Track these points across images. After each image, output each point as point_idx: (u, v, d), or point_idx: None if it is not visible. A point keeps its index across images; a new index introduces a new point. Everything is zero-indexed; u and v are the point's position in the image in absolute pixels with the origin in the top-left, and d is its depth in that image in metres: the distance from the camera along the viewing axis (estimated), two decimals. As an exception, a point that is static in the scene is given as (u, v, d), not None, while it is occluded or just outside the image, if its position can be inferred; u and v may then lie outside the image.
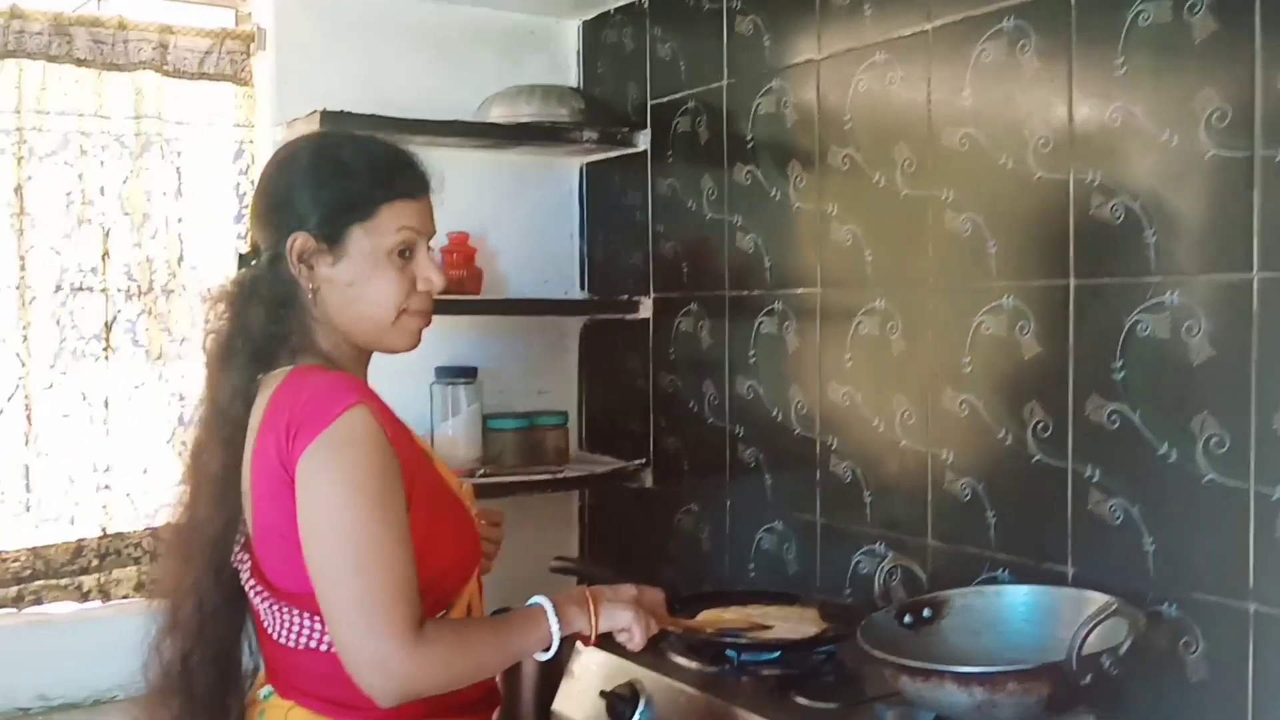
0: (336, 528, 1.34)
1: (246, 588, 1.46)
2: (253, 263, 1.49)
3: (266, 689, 1.48)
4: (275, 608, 1.42)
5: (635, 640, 1.55)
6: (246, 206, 2.53)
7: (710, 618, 1.95)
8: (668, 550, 2.54)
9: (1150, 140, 1.60)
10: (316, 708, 1.43)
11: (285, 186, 1.49)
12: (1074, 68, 1.70)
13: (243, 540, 1.46)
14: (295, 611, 1.41)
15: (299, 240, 1.45)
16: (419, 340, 1.54)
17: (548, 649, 1.47)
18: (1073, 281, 1.72)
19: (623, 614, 1.53)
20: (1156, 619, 1.59)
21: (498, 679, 1.55)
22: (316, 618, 1.39)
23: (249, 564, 1.45)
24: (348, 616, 1.33)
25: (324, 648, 1.40)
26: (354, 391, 1.39)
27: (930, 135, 1.92)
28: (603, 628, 1.52)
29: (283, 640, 1.43)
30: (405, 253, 1.48)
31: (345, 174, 1.48)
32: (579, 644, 1.57)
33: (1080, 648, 1.39)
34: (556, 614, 1.46)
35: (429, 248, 1.52)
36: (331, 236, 1.46)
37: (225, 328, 1.47)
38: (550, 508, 2.71)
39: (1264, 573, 1.50)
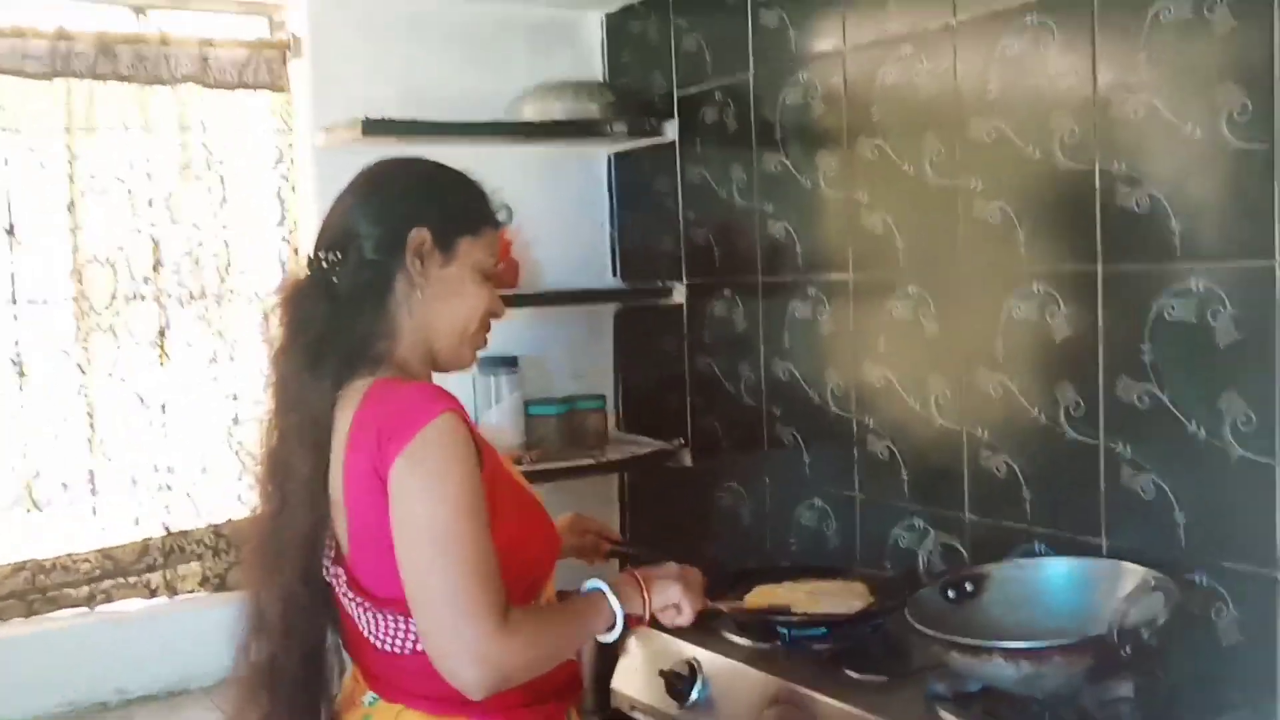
0: (428, 524, 1.40)
1: (343, 599, 1.51)
2: (336, 264, 1.52)
3: (370, 695, 1.54)
4: (376, 615, 1.48)
5: (685, 615, 1.66)
6: (288, 211, 2.61)
7: (763, 594, 2.03)
8: (709, 528, 2.63)
9: (1173, 132, 1.67)
10: (426, 708, 1.49)
11: (401, 188, 1.58)
12: (1097, 62, 1.76)
13: (333, 553, 1.50)
14: (399, 618, 1.47)
15: (419, 235, 1.53)
16: (472, 364, 1.65)
17: (612, 628, 1.57)
18: (1100, 267, 1.79)
19: (672, 590, 1.64)
20: (1188, 587, 1.67)
21: (581, 664, 1.64)
22: None
23: (343, 576, 1.50)
24: (437, 610, 1.40)
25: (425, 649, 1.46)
26: (443, 399, 1.45)
27: (958, 126, 1.98)
28: (655, 605, 1.63)
29: (386, 646, 1.49)
30: (489, 277, 1.59)
31: (460, 189, 1.61)
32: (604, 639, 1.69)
33: (1122, 623, 1.47)
34: (614, 595, 1.56)
35: None
36: (445, 240, 1.55)
37: (312, 330, 1.50)
38: (592, 489, 2.79)
39: (1291, 542, 1.58)
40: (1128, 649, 1.49)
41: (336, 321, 1.50)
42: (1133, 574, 1.64)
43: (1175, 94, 1.66)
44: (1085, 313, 1.81)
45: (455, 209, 1.58)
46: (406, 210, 1.55)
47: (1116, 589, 1.62)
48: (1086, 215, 1.79)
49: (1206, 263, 1.65)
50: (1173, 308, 1.69)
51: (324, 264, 1.54)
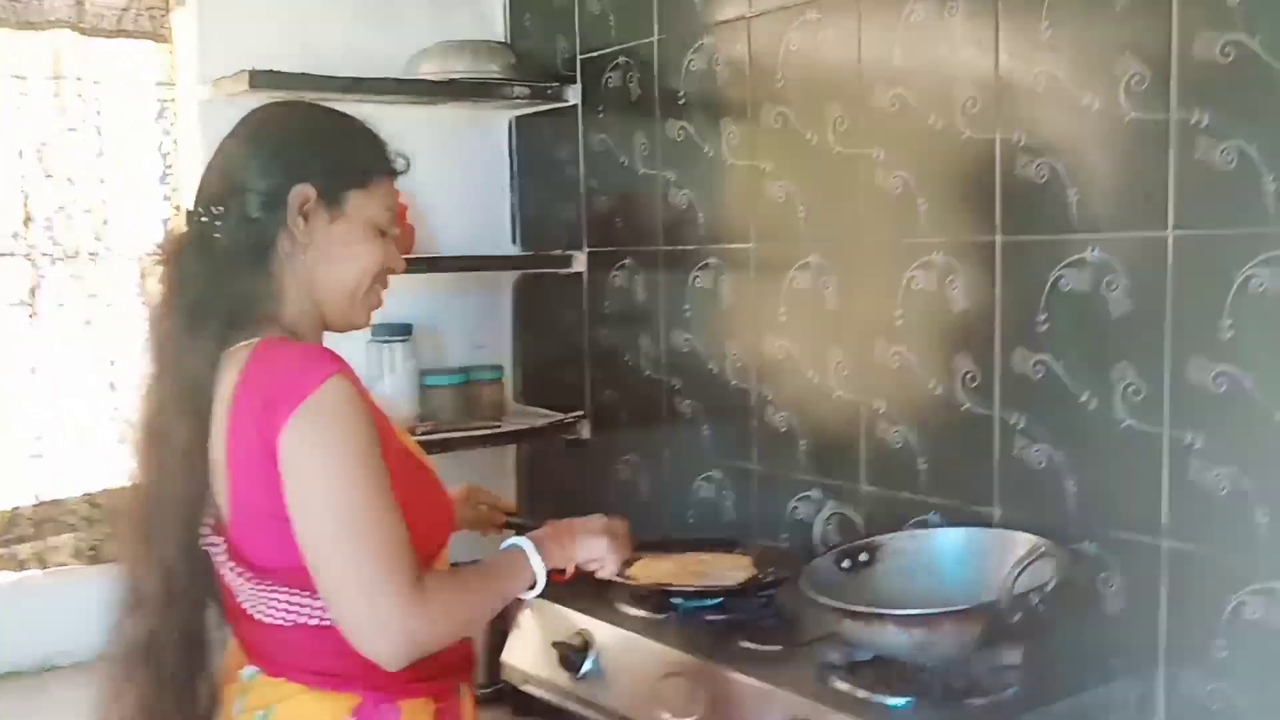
0: (327, 497, 1.34)
1: (223, 570, 1.44)
2: (216, 220, 1.44)
3: (250, 669, 1.47)
4: (259, 587, 1.41)
5: (608, 568, 1.62)
6: (171, 167, 2.50)
7: (647, 566, 2.00)
8: (606, 500, 2.59)
9: (1073, 102, 1.67)
10: (310, 682, 1.43)
11: (282, 140, 1.49)
12: (1000, 30, 1.76)
13: (212, 522, 1.43)
14: (281, 589, 1.40)
15: (302, 191, 1.44)
16: (368, 321, 1.56)
17: (533, 586, 1.52)
18: (999, 238, 1.79)
19: (597, 542, 1.61)
20: (1077, 556, 1.69)
21: (475, 643, 1.58)
22: (304, 593, 1.39)
23: (222, 545, 1.43)
24: (347, 583, 1.34)
25: (313, 622, 1.40)
26: (330, 361, 1.38)
27: (861, 94, 1.97)
28: (580, 558, 1.59)
29: (269, 619, 1.42)
30: (384, 231, 1.50)
31: (349, 138, 1.51)
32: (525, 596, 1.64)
33: (1012, 589, 1.47)
34: (536, 551, 1.52)
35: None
36: (332, 196, 1.46)
37: (192, 289, 1.42)
38: (488, 461, 2.74)
39: (1176, 512, 1.60)
40: (1017, 615, 1.49)
41: (217, 281, 1.42)
42: (1023, 542, 1.64)
43: (1075, 65, 1.67)
44: (984, 283, 1.82)
45: (343, 160, 1.49)
46: (289, 163, 1.46)
47: (1008, 558, 1.62)
48: (987, 185, 1.79)
49: (1102, 233, 1.66)
50: (1069, 278, 1.70)
51: (203, 219, 1.46)
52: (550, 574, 1.53)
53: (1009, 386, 1.79)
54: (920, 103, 1.88)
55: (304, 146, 1.49)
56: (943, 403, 1.89)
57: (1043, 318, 1.73)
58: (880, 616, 1.54)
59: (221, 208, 1.45)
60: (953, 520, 1.86)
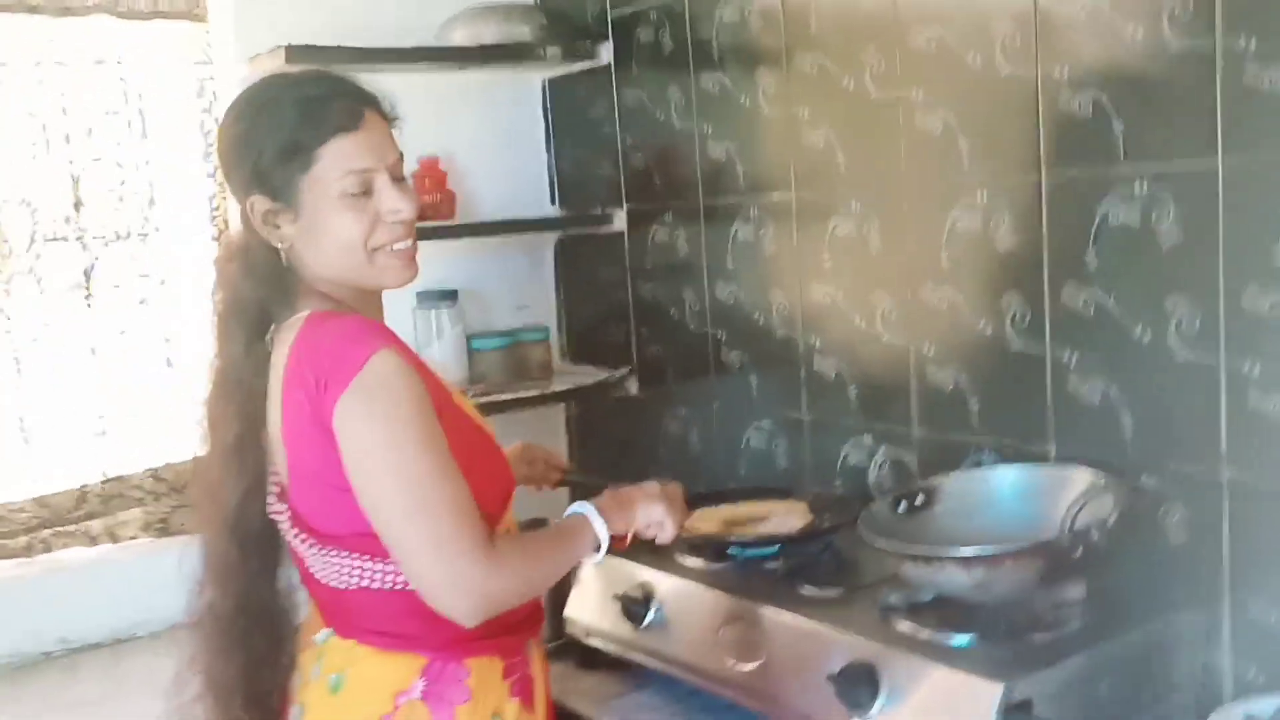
0: (390, 469, 1.37)
1: (289, 537, 1.48)
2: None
3: (324, 632, 1.52)
4: (323, 553, 1.45)
5: (668, 531, 1.64)
6: (213, 145, 2.53)
7: (704, 517, 2.03)
8: (657, 455, 2.61)
9: (1115, 33, 1.65)
10: (377, 643, 1.47)
11: (228, 148, 1.47)
12: (1038, -36, 1.74)
13: (277, 491, 1.47)
14: (345, 554, 1.44)
15: (256, 203, 1.44)
16: (410, 273, 1.50)
17: (597, 549, 1.55)
18: (1044, 175, 1.78)
19: (655, 508, 1.62)
20: (1137, 490, 1.68)
21: (542, 597, 1.61)
22: (366, 557, 1.43)
23: (287, 513, 1.47)
24: (421, 549, 1.37)
25: (375, 585, 1.44)
26: (376, 336, 1.40)
27: (898, 36, 1.95)
28: (639, 523, 1.61)
29: (334, 583, 1.47)
30: (363, 191, 1.43)
31: (274, 125, 1.41)
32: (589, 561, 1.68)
33: (1072, 525, 1.48)
34: (599, 516, 1.54)
35: (398, 176, 1.46)
36: (283, 192, 1.41)
37: (224, 293, 1.47)
38: (538, 421, 2.76)
39: (1235, 442, 1.60)
40: (1078, 551, 1.50)
41: (235, 286, 1.46)
42: (1081, 477, 1.64)
43: (1116, -5, 1.65)
44: (1029, 222, 1.81)
45: (274, 154, 1.40)
46: (234, 181, 1.46)
47: (1065, 494, 1.62)
48: (1029, 122, 1.77)
49: (1150, 164, 1.64)
50: (1117, 212, 1.68)
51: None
52: (611, 539, 1.56)
53: (1059, 323, 1.78)
54: (958, 42, 1.86)
55: (234, 157, 1.45)
56: (992, 343, 1.88)
57: (1091, 253, 1.72)
58: (940, 558, 1.55)
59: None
60: (1008, 460, 1.86)
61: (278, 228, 1.44)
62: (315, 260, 1.46)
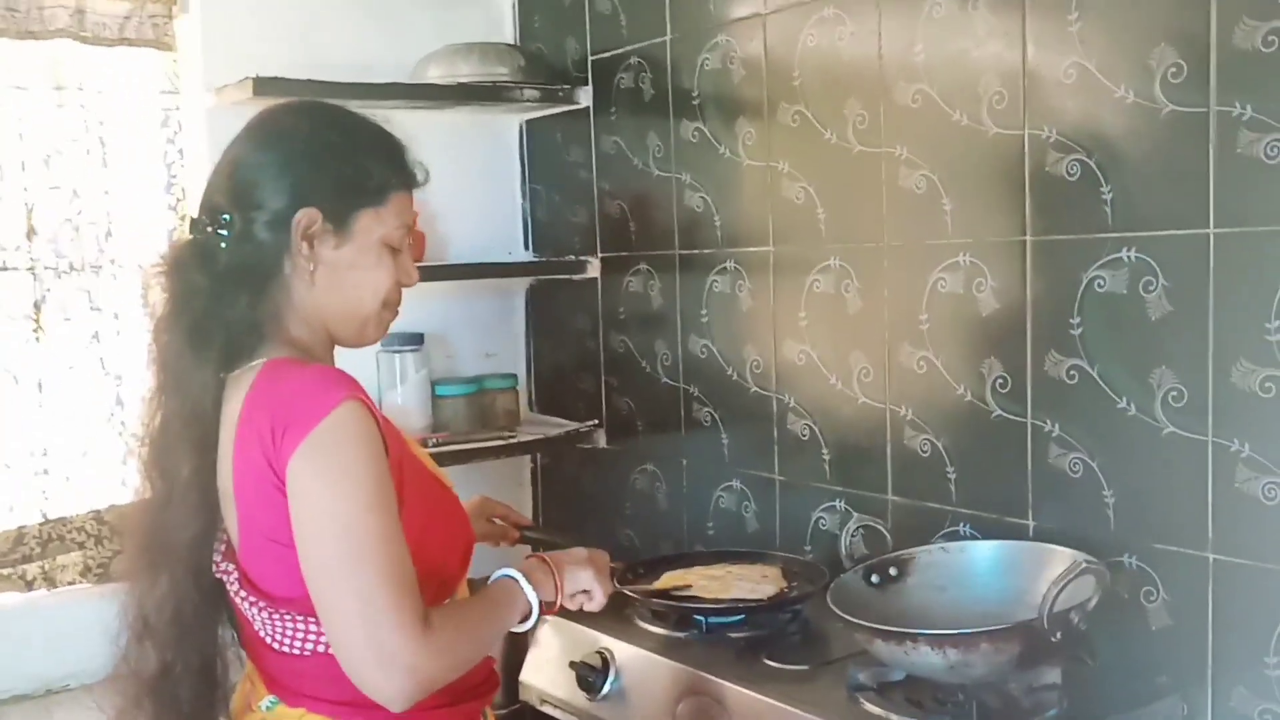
0: (335, 527, 1.28)
1: (236, 599, 1.38)
2: (220, 232, 1.37)
3: (268, 699, 1.41)
4: (274, 616, 1.36)
5: (596, 599, 1.56)
6: (175, 176, 2.45)
7: (673, 580, 1.96)
8: (624, 510, 2.53)
9: (1105, 95, 1.60)
10: (330, 712, 1.37)
11: (288, 155, 1.39)
12: (1027, 22, 1.69)
13: (224, 549, 1.38)
14: (298, 618, 1.35)
15: (308, 216, 1.36)
16: (383, 336, 1.49)
17: (527, 618, 1.47)
18: (1029, 238, 1.72)
19: (583, 574, 1.54)
20: (1118, 569, 1.62)
21: (496, 663, 1.52)
22: (320, 622, 1.33)
23: (235, 574, 1.37)
24: (350, 620, 1.27)
25: (330, 651, 1.34)
26: (343, 386, 1.31)
27: (882, 91, 1.90)
28: (568, 590, 1.53)
29: (285, 649, 1.37)
30: (399, 247, 1.43)
31: (362, 151, 1.41)
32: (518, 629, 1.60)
33: (1051, 608, 1.41)
34: (527, 581, 1.46)
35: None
36: (339, 217, 1.38)
37: (195, 306, 1.35)
38: (502, 471, 2.68)
39: (1222, 522, 1.53)
40: (1057, 634, 1.42)
41: (219, 299, 1.35)
42: (1061, 556, 1.58)
43: (1107, 56, 1.60)
44: (1013, 285, 1.75)
45: (354, 177, 1.38)
46: (294, 183, 1.37)
47: (1044, 572, 1.56)
48: (1015, 183, 1.72)
49: (1139, 232, 1.59)
50: (1104, 279, 1.63)
51: (207, 230, 1.39)
52: (540, 605, 1.48)
53: (1041, 391, 1.72)
54: (944, 99, 1.81)
55: (313, 163, 1.39)
56: (972, 409, 1.82)
57: (1076, 320, 1.66)
58: (913, 636, 1.47)
59: (225, 219, 1.38)
60: (985, 532, 1.80)
61: (312, 248, 1.37)
62: (326, 296, 1.39)
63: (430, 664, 1.29)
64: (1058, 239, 1.69)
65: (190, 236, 1.42)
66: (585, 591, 1.55)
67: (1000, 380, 1.78)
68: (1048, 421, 1.72)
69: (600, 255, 2.54)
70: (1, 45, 2.26)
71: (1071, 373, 1.68)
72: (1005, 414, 1.77)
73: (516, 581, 1.46)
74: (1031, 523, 1.75)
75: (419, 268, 2.42)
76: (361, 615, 1.27)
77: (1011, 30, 1.71)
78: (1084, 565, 1.46)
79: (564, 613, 1.57)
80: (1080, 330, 1.66)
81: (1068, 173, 1.66)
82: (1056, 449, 1.71)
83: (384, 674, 1.27)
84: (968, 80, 1.77)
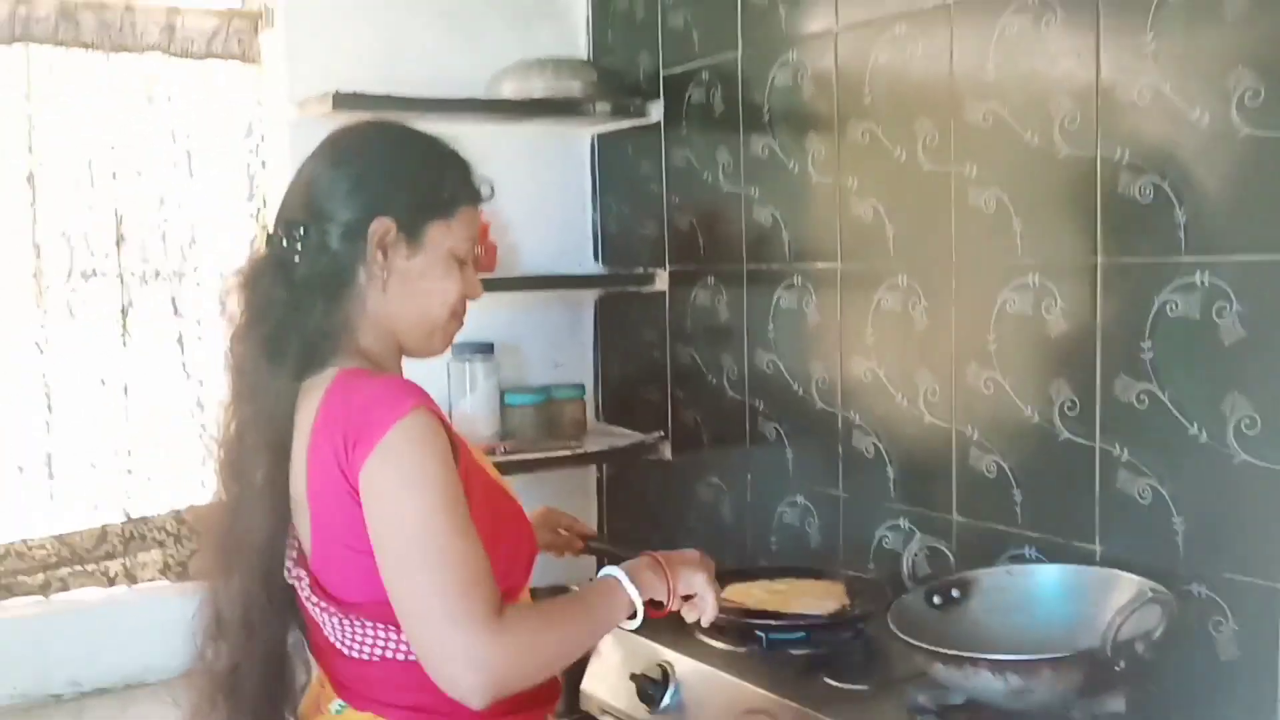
0: (409, 531, 1.31)
1: (307, 604, 1.42)
2: (296, 245, 1.42)
3: (337, 703, 1.45)
4: (344, 621, 1.39)
5: (708, 606, 1.54)
6: (257, 186, 2.52)
7: (736, 593, 1.96)
8: (688, 522, 2.54)
9: (1180, 118, 1.58)
10: (397, 717, 1.40)
11: (365, 169, 1.45)
12: (1101, 42, 1.68)
13: (295, 554, 1.42)
14: (368, 624, 1.38)
15: (382, 225, 1.42)
16: (449, 347, 1.55)
17: (633, 616, 1.46)
18: (1100, 260, 1.70)
19: (697, 577, 1.53)
20: (1186, 598, 1.59)
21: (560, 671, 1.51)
22: (392, 628, 1.37)
23: (306, 579, 1.41)
24: (425, 617, 1.30)
25: (401, 656, 1.38)
26: (412, 395, 1.35)
27: (952, 110, 1.89)
28: (681, 591, 1.51)
29: (355, 654, 1.40)
30: (467, 260, 1.48)
31: (433, 167, 1.48)
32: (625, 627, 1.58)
33: (1115, 636, 1.39)
34: (632, 581, 1.45)
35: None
36: (412, 228, 1.43)
37: (270, 317, 1.40)
38: (568, 481, 2.71)
39: (1296, 553, 1.50)
40: (1121, 663, 1.41)
41: (294, 310, 1.40)
42: (1128, 584, 1.56)
43: (1183, 77, 1.58)
44: (1083, 307, 1.73)
45: (425, 190, 1.45)
46: (371, 195, 1.43)
47: (1110, 599, 1.54)
48: (1086, 204, 1.70)
49: (1213, 256, 1.56)
50: (1176, 303, 1.60)
51: (283, 243, 1.44)
52: (648, 606, 1.46)
53: (1111, 416, 1.70)
54: (1015, 118, 1.80)
55: (387, 177, 1.45)
56: (1040, 431, 1.80)
57: (1147, 344, 1.64)
58: (974, 660, 1.46)
59: (301, 232, 1.43)
60: (1050, 555, 1.78)
61: (386, 257, 1.43)
62: (398, 305, 1.44)
63: (505, 660, 1.30)
64: (1129, 261, 1.67)
65: (266, 251, 1.47)
66: (700, 595, 1.53)
67: (1069, 403, 1.76)
68: (1117, 446, 1.70)
69: (669, 268, 2.56)
70: (97, 59, 2.34)
71: (1142, 397, 1.66)
72: (1073, 437, 1.75)
73: (618, 580, 1.45)
74: (1099, 548, 1.73)
75: (491, 278, 2.51)
76: (435, 615, 1.29)
77: (1085, 50, 1.70)
78: (1150, 593, 1.44)
79: (674, 618, 1.54)
80: (1151, 354, 1.64)
81: (1140, 195, 1.64)
82: (1125, 474, 1.69)
83: (459, 669, 1.29)
84: (1040, 100, 1.76)
